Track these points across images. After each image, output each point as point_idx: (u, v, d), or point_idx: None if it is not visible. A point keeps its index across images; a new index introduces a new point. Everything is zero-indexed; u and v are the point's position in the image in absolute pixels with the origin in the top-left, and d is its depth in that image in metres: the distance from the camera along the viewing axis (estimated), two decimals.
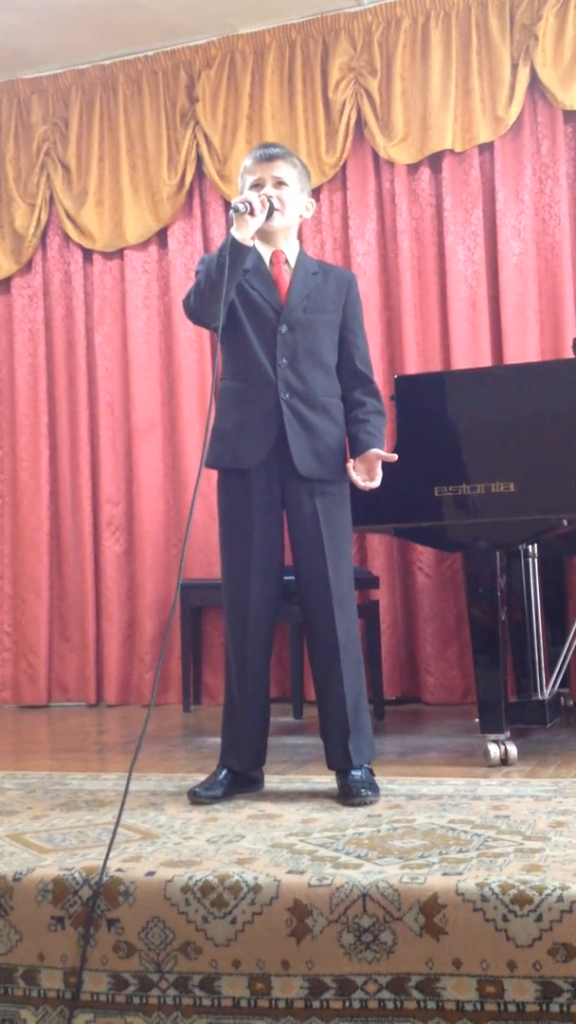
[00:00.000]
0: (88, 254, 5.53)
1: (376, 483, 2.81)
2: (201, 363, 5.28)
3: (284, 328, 2.84)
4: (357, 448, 2.86)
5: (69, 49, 5.38)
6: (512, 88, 4.78)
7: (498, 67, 4.81)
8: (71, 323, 5.55)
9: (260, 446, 2.82)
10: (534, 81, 4.77)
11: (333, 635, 2.81)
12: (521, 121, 4.81)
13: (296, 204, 2.91)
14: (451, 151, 4.87)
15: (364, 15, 5.03)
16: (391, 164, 5.00)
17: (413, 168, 4.98)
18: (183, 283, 5.30)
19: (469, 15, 4.87)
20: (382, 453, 2.80)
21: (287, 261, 2.92)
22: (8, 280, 5.64)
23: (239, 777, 2.86)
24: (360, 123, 5.04)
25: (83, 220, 5.46)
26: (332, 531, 2.83)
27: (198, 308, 2.80)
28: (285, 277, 2.90)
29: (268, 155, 2.89)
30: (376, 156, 5.04)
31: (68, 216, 5.49)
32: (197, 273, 2.83)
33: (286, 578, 2.93)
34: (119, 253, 5.46)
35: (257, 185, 2.87)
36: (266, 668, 2.91)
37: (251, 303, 2.86)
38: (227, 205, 5.29)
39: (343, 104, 5.02)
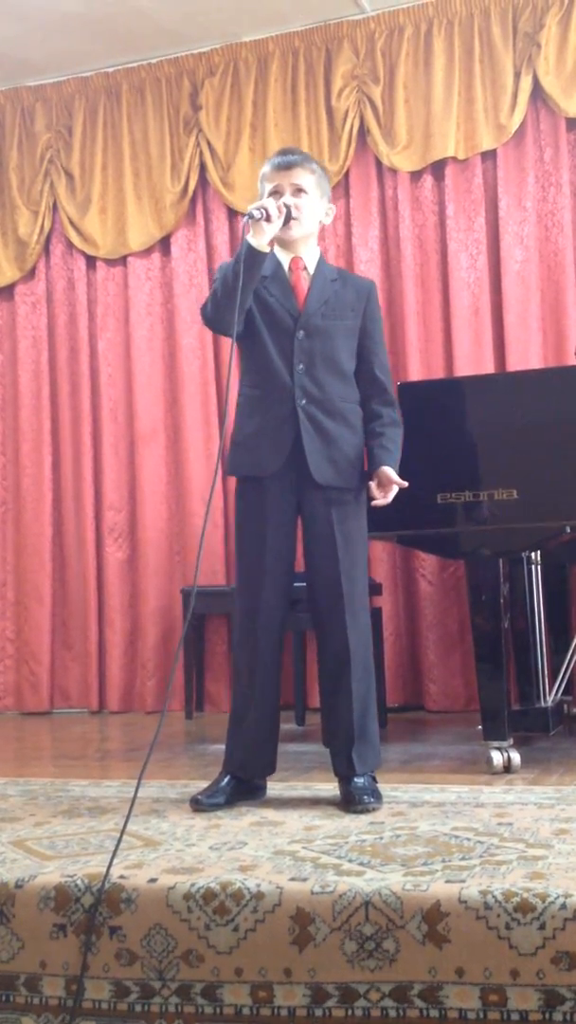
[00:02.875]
0: (91, 261, 5.54)
1: (387, 501, 2.81)
2: (204, 370, 5.28)
3: (301, 334, 2.83)
4: (372, 463, 2.86)
5: (73, 57, 5.40)
6: (515, 96, 4.79)
7: (501, 75, 4.81)
8: (74, 330, 5.56)
9: (277, 453, 2.81)
10: (537, 89, 4.78)
11: (344, 644, 2.80)
12: (524, 129, 4.82)
13: (315, 211, 2.90)
14: (454, 159, 4.88)
15: (367, 23, 5.04)
16: (394, 171, 5.01)
17: (416, 176, 4.99)
18: (186, 290, 5.31)
19: (472, 23, 4.88)
20: (394, 476, 2.80)
21: (306, 268, 2.91)
22: (11, 287, 5.65)
23: (243, 784, 2.85)
24: (363, 131, 5.05)
25: (86, 227, 5.47)
26: (346, 539, 2.82)
27: (215, 316, 2.79)
28: (303, 284, 2.89)
29: (286, 162, 2.87)
30: (379, 164, 5.05)
31: (71, 223, 5.50)
32: (215, 281, 2.82)
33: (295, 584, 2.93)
34: (122, 260, 5.47)
35: (276, 192, 2.86)
36: (276, 675, 2.89)
37: (269, 310, 2.86)
38: (230, 212, 5.30)
39: (346, 112, 5.03)
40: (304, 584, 2.91)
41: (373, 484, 2.82)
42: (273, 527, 2.83)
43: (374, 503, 2.82)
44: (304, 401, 2.81)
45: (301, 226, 2.86)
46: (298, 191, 2.85)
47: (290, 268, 2.90)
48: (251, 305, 2.83)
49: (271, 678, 2.87)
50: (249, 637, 2.85)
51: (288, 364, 2.83)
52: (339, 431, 2.84)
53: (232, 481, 2.94)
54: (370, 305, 2.95)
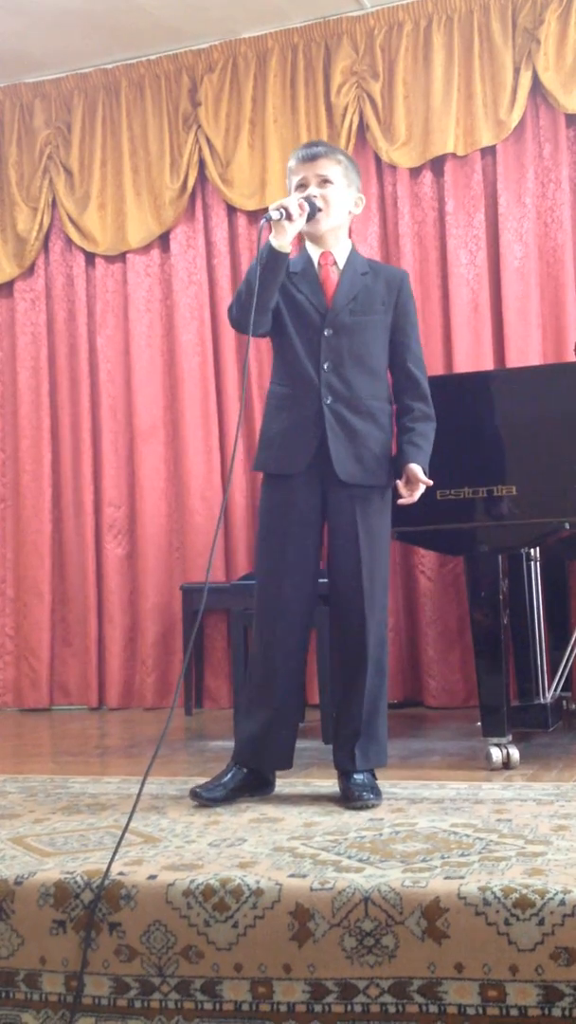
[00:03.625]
0: (90, 258, 5.54)
1: (414, 499, 2.81)
2: (203, 367, 5.28)
3: (329, 332, 2.81)
4: (401, 459, 2.85)
5: (72, 53, 5.39)
6: (514, 92, 4.78)
7: (500, 71, 4.81)
8: (73, 327, 5.55)
9: (304, 452, 2.80)
10: (536, 85, 4.77)
11: (362, 642, 2.80)
12: (523, 125, 4.82)
13: (343, 201, 2.87)
14: (453, 155, 4.87)
15: (366, 19, 5.04)
16: (393, 168, 5.00)
17: (415, 172, 4.98)
18: (185, 287, 5.31)
19: (471, 19, 4.87)
20: (421, 475, 2.79)
21: (335, 263, 2.88)
22: (10, 283, 5.64)
23: (252, 776, 2.84)
24: (362, 127, 5.04)
25: (85, 224, 5.47)
26: (369, 537, 2.81)
27: (240, 317, 2.77)
28: (332, 279, 2.86)
29: (311, 154, 2.85)
30: (378, 160, 5.04)
31: (70, 220, 5.50)
32: (243, 281, 2.80)
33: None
34: (121, 257, 5.47)
35: (302, 185, 2.84)
36: (299, 670, 2.88)
37: (297, 307, 2.84)
38: (229, 209, 5.30)
39: (345, 108, 5.02)
40: (325, 580, 2.91)
41: (400, 482, 2.81)
42: (298, 524, 2.81)
43: (400, 501, 2.81)
44: (330, 400, 2.80)
45: (329, 218, 2.83)
46: (324, 182, 2.83)
47: (319, 263, 2.87)
48: (279, 302, 2.80)
49: (291, 674, 2.85)
50: (267, 634, 2.83)
51: (315, 362, 2.81)
52: (366, 428, 2.82)
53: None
54: (401, 298, 2.91)
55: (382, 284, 2.90)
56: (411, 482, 2.81)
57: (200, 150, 5.29)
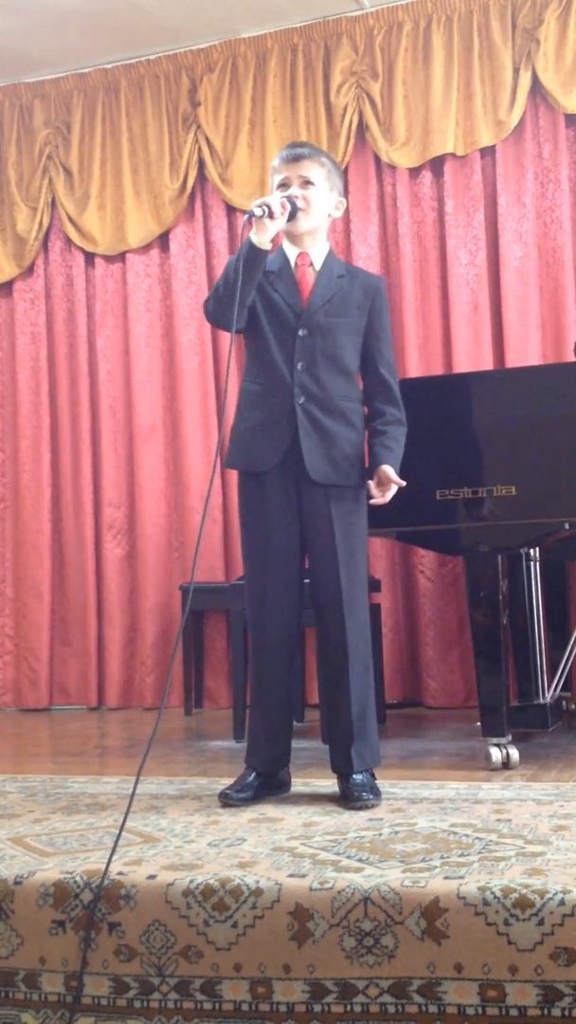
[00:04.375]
0: (90, 257, 5.54)
1: (385, 500, 2.81)
2: (203, 367, 5.28)
3: (304, 332, 2.83)
4: (373, 461, 2.86)
5: (71, 53, 5.39)
6: (514, 92, 4.78)
7: (500, 71, 4.81)
8: (73, 326, 5.55)
9: (275, 449, 2.81)
10: (536, 85, 4.78)
11: (343, 641, 2.80)
12: (523, 125, 4.82)
13: (323, 203, 2.88)
14: (453, 155, 4.88)
15: (366, 19, 5.04)
16: (393, 168, 5.00)
17: (415, 172, 4.98)
18: (185, 287, 5.31)
19: (471, 19, 4.87)
20: (393, 476, 2.80)
21: (312, 264, 2.89)
22: (10, 283, 5.64)
23: (265, 779, 2.86)
24: (362, 127, 5.04)
25: (85, 224, 5.47)
26: (346, 536, 2.82)
27: (216, 312, 2.78)
28: (309, 280, 2.88)
29: (294, 155, 2.86)
30: (378, 160, 5.04)
31: (70, 220, 5.50)
32: (220, 276, 2.81)
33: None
34: (121, 257, 5.47)
35: (284, 185, 2.85)
36: (287, 669, 2.89)
37: (272, 306, 2.85)
38: (229, 208, 5.30)
39: (345, 108, 5.02)
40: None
41: (372, 483, 2.82)
42: (276, 524, 2.83)
43: (372, 502, 2.82)
44: (303, 399, 2.81)
45: (308, 219, 2.84)
46: (306, 183, 2.84)
47: (296, 264, 2.89)
48: (255, 300, 2.82)
49: (280, 673, 2.86)
50: (257, 633, 2.86)
51: (289, 361, 2.83)
52: (338, 429, 2.83)
53: (232, 476, 2.95)
54: (376, 302, 2.93)
55: (358, 288, 2.92)
56: (383, 483, 2.81)
57: (200, 150, 5.29)
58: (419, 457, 3.28)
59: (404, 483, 2.82)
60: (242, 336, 2.94)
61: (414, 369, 4.86)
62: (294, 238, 2.89)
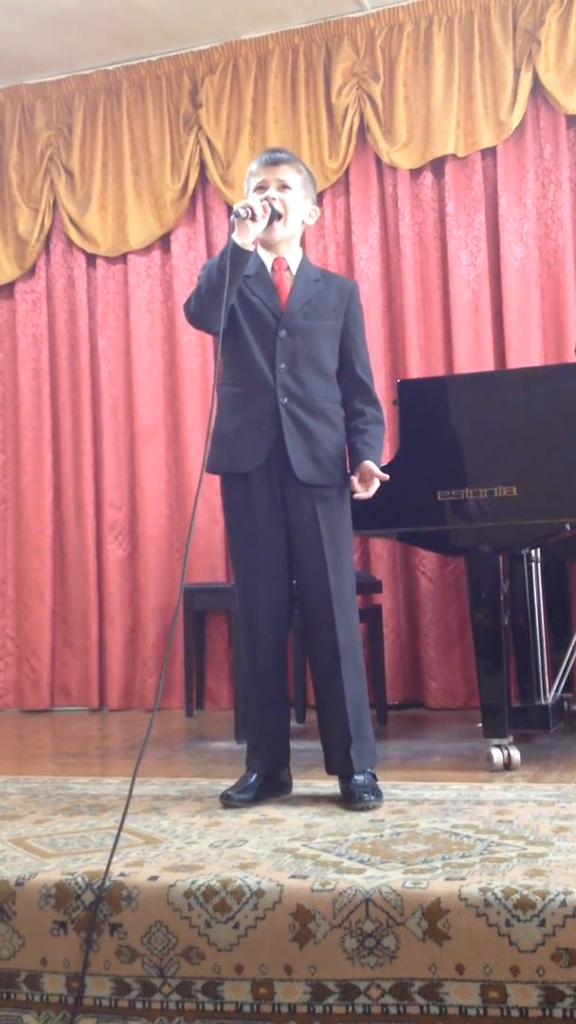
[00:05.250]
0: (91, 259, 5.54)
1: (370, 494, 2.83)
2: (204, 368, 5.29)
3: (284, 333, 2.85)
4: (355, 458, 2.88)
5: (73, 54, 5.40)
6: (515, 93, 4.79)
7: (501, 72, 4.81)
8: (74, 328, 5.56)
9: (258, 450, 2.82)
10: (537, 86, 4.78)
11: (334, 640, 2.80)
12: (524, 126, 4.82)
13: (299, 209, 2.92)
14: (454, 156, 4.88)
15: (367, 20, 5.04)
16: (394, 169, 5.00)
17: (416, 173, 4.99)
18: (186, 288, 5.30)
19: (472, 20, 4.87)
20: (376, 470, 2.81)
21: (288, 268, 2.93)
22: (11, 285, 5.65)
23: (267, 780, 2.86)
24: (363, 128, 5.04)
25: (86, 225, 5.47)
26: (332, 535, 2.83)
27: (198, 312, 2.81)
28: (286, 283, 2.91)
29: (273, 159, 2.90)
30: (379, 161, 5.05)
31: (71, 221, 5.50)
32: (199, 279, 2.84)
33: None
34: (122, 258, 5.47)
35: (261, 188, 2.88)
36: (281, 670, 2.90)
37: (252, 309, 2.87)
38: (230, 210, 5.28)
39: (346, 109, 5.02)
40: None
41: (355, 478, 2.84)
42: (263, 525, 2.83)
43: (355, 496, 2.84)
44: (286, 400, 2.82)
45: (284, 226, 2.87)
46: (283, 187, 2.88)
47: (273, 268, 2.92)
48: (234, 304, 2.85)
49: (274, 674, 2.88)
50: (249, 634, 2.87)
51: (270, 363, 2.84)
52: (321, 429, 2.85)
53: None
54: (352, 306, 2.96)
55: (334, 292, 2.95)
56: (365, 478, 2.83)
57: (201, 151, 5.29)
58: (420, 458, 3.29)
59: (387, 477, 2.83)
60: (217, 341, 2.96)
61: (415, 370, 4.86)
62: (269, 244, 2.92)
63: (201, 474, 2.61)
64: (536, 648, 3.87)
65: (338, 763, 2.83)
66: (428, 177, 4.97)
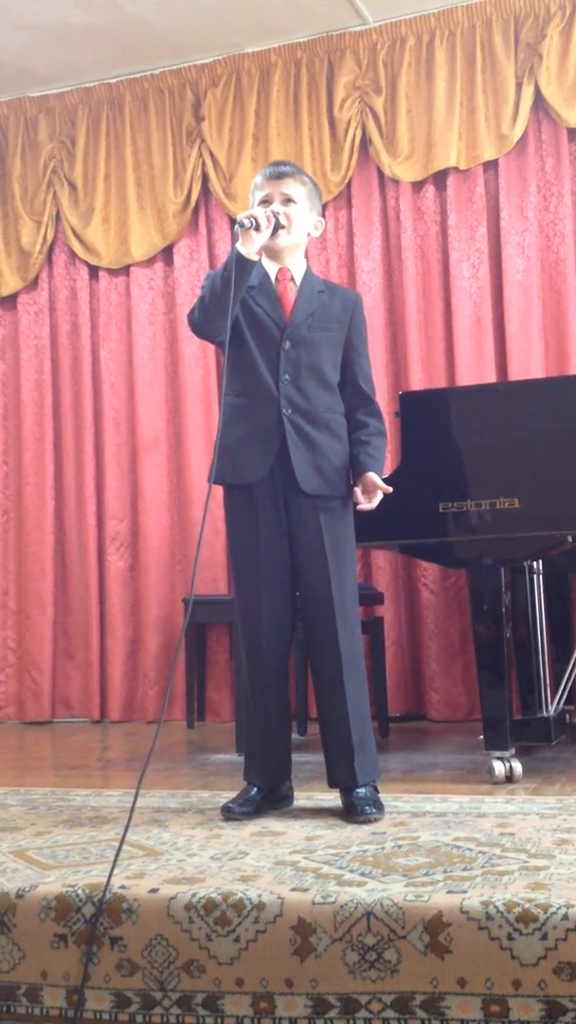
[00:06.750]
0: (94, 271, 5.56)
1: (373, 505, 2.83)
2: (206, 379, 5.29)
3: (287, 344, 2.85)
4: (357, 470, 2.87)
5: (76, 67, 5.42)
6: (516, 106, 4.80)
7: (502, 85, 4.83)
8: (77, 339, 5.57)
9: (262, 461, 2.82)
10: (538, 99, 4.80)
11: (336, 652, 2.80)
12: (525, 139, 4.84)
13: (304, 222, 2.92)
14: (456, 169, 4.89)
15: (369, 34, 5.06)
16: (396, 182, 5.02)
17: (418, 186, 5.00)
18: (188, 300, 5.31)
19: (474, 34, 4.89)
20: (379, 482, 2.81)
21: (293, 279, 2.93)
22: (14, 296, 5.66)
23: (267, 793, 2.85)
24: (365, 141, 5.06)
25: (89, 237, 5.49)
26: (335, 547, 2.83)
27: (202, 322, 2.81)
28: (290, 294, 2.91)
29: (278, 172, 2.91)
30: (381, 174, 5.06)
31: (74, 233, 5.52)
32: (202, 288, 2.84)
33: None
34: (125, 270, 5.49)
35: (265, 201, 2.88)
36: (283, 682, 2.89)
37: (255, 319, 2.87)
38: (232, 222, 5.30)
39: (348, 122, 5.04)
40: None
41: (358, 490, 2.84)
42: (266, 536, 2.83)
43: (359, 507, 2.84)
44: (289, 411, 2.82)
45: (289, 236, 2.87)
46: (287, 200, 2.88)
47: (277, 279, 2.92)
48: (238, 314, 2.84)
49: (277, 687, 2.86)
50: (252, 646, 2.85)
51: (274, 374, 2.84)
52: (324, 440, 2.85)
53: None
54: (355, 317, 2.96)
55: (338, 304, 2.95)
56: (369, 490, 2.83)
57: (203, 164, 5.31)
58: (422, 469, 3.29)
59: (391, 489, 2.83)
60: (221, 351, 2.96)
61: (417, 382, 4.87)
62: (274, 254, 2.91)
63: (209, 487, 2.60)
64: (538, 660, 3.86)
65: (340, 776, 2.82)
66: (430, 190, 4.98)
